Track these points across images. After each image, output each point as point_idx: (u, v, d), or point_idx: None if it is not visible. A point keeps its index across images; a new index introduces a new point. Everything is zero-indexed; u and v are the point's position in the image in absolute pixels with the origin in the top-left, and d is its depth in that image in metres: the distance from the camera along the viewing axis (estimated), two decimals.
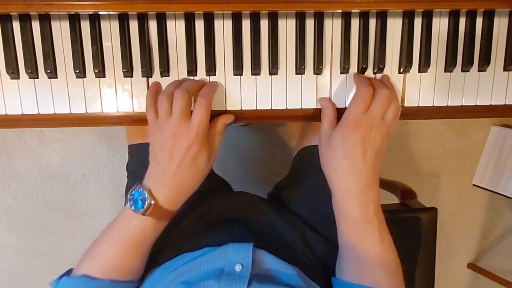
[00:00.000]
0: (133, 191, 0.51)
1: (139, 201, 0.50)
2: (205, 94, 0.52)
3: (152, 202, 0.50)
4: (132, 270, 0.54)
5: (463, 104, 0.60)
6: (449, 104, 0.60)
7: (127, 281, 0.53)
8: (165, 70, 0.56)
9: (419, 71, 0.59)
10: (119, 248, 0.52)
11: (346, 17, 0.57)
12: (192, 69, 0.56)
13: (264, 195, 0.79)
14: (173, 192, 0.51)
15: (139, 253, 0.53)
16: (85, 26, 0.55)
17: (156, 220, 0.52)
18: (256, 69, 0.57)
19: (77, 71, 0.55)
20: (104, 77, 0.56)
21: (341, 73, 0.58)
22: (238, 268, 0.52)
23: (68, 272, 0.54)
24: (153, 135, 0.52)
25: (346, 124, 0.51)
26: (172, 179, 0.51)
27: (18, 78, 0.56)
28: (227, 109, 0.58)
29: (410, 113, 0.60)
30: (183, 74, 0.57)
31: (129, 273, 0.54)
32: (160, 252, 0.61)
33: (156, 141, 0.51)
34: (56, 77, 0.56)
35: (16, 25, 0.54)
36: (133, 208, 0.50)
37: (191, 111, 0.50)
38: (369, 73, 0.58)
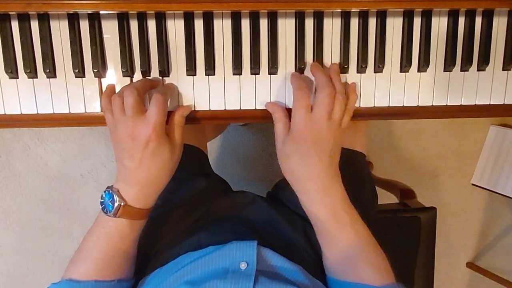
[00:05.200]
0: (103, 194, 0.51)
1: (110, 203, 0.50)
2: (160, 90, 0.52)
3: (122, 203, 0.50)
4: (117, 270, 0.54)
5: (462, 103, 0.60)
6: (448, 104, 0.60)
7: (112, 281, 0.53)
8: (164, 70, 0.56)
9: (418, 71, 0.59)
10: (99, 252, 0.52)
11: (346, 17, 0.57)
12: (191, 68, 0.56)
13: (263, 195, 0.79)
14: (140, 190, 0.51)
15: (120, 254, 0.53)
16: (84, 25, 0.55)
17: (130, 220, 0.52)
18: (255, 69, 0.56)
19: (76, 71, 0.55)
20: (103, 77, 0.56)
21: (340, 72, 0.58)
22: (243, 266, 0.52)
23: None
24: (112, 136, 0.52)
25: (294, 131, 0.51)
26: (136, 177, 0.51)
27: (17, 77, 0.56)
28: (226, 108, 0.58)
29: (409, 113, 0.60)
30: (183, 73, 0.57)
31: (113, 273, 0.54)
32: (161, 252, 0.61)
33: (116, 142, 0.51)
34: (55, 76, 0.56)
35: (15, 25, 0.54)
36: (104, 211, 0.51)
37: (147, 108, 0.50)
38: (369, 72, 0.58)
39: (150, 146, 0.49)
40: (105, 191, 0.51)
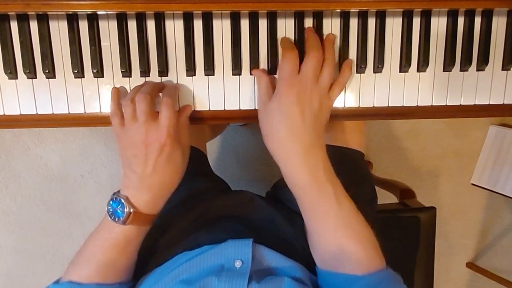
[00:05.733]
0: (111, 202, 0.51)
1: (118, 211, 0.50)
2: (169, 93, 0.52)
3: (132, 210, 0.50)
4: (119, 273, 0.54)
5: (462, 103, 0.60)
6: (447, 104, 0.60)
7: (113, 283, 0.53)
8: (163, 70, 0.56)
9: (417, 71, 0.59)
10: (102, 255, 0.52)
11: (345, 17, 0.57)
12: (190, 68, 0.56)
13: (263, 195, 0.79)
14: (152, 196, 0.51)
15: (124, 257, 0.53)
16: (83, 26, 0.55)
17: (139, 226, 0.52)
18: None
19: (76, 71, 0.55)
20: (103, 77, 0.56)
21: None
22: (238, 264, 0.52)
23: (57, 282, 0.54)
24: (122, 142, 0.52)
25: (279, 89, 0.51)
26: (150, 183, 0.51)
27: (16, 78, 0.56)
28: (226, 108, 0.58)
29: (409, 113, 0.60)
30: (182, 74, 0.57)
31: (115, 276, 0.54)
32: (160, 252, 0.61)
33: (127, 148, 0.51)
34: (54, 77, 0.56)
35: (14, 25, 0.54)
36: (112, 218, 0.50)
37: (157, 112, 0.50)
38: (368, 72, 0.58)
39: (165, 151, 0.49)
40: (112, 199, 0.51)
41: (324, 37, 0.56)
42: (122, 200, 0.50)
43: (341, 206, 0.51)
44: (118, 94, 0.55)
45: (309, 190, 0.51)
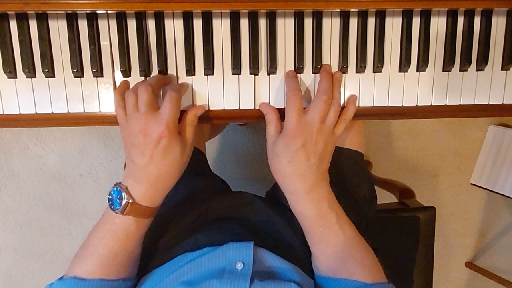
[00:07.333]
0: (111, 191, 0.51)
1: (117, 200, 0.50)
2: (175, 87, 0.52)
3: (130, 200, 0.50)
4: (122, 269, 0.54)
5: (461, 103, 0.60)
6: (447, 104, 0.60)
7: (117, 279, 0.53)
8: (163, 69, 0.56)
9: (417, 71, 0.59)
10: (104, 249, 0.52)
11: (345, 17, 0.57)
12: (190, 68, 0.56)
13: (262, 195, 0.79)
14: (149, 188, 0.51)
15: (126, 252, 0.53)
16: (83, 25, 0.55)
17: (137, 218, 0.52)
18: (254, 69, 0.56)
19: (75, 71, 0.55)
20: (102, 76, 0.56)
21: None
22: (239, 266, 0.53)
23: (62, 278, 0.54)
24: (123, 132, 0.52)
25: (286, 132, 0.52)
26: (146, 175, 0.51)
27: (16, 77, 0.55)
28: (225, 108, 0.58)
29: (408, 113, 0.60)
30: (181, 73, 0.57)
31: (118, 272, 0.54)
32: (159, 252, 0.61)
33: (127, 138, 0.51)
34: (53, 76, 0.56)
35: (13, 24, 0.54)
36: (112, 207, 0.51)
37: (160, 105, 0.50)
38: (368, 72, 0.58)
39: (162, 143, 0.49)
40: (113, 188, 0.51)
41: (332, 75, 0.57)
42: (122, 190, 0.50)
43: (345, 232, 0.54)
44: (124, 86, 0.55)
45: (314, 221, 0.54)
